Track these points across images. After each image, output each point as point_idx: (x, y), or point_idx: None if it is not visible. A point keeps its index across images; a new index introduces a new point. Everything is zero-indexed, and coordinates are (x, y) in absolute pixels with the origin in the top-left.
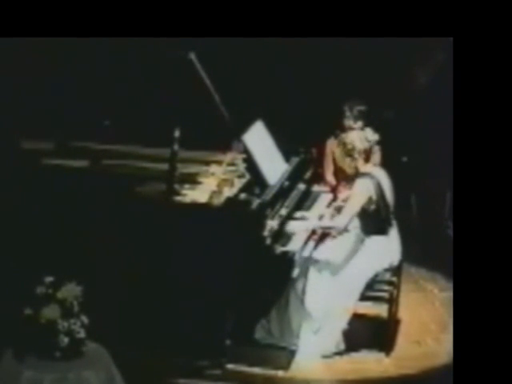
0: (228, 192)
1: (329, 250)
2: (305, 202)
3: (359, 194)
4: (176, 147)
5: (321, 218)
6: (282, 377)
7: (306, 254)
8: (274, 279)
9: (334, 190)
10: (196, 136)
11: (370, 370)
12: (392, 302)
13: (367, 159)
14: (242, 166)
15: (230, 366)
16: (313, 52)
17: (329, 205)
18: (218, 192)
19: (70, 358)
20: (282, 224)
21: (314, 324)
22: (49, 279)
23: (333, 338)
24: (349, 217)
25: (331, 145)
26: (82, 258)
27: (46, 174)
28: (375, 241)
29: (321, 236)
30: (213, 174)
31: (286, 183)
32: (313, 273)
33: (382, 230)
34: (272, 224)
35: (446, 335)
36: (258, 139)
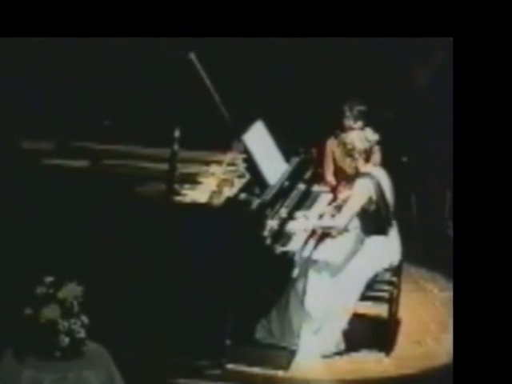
0: (228, 192)
1: (329, 250)
2: (305, 201)
3: (359, 193)
4: (176, 147)
5: (321, 217)
6: (282, 377)
7: (306, 254)
8: (274, 279)
9: (333, 190)
10: (196, 136)
11: (370, 370)
12: (392, 301)
13: (367, 159)
14: (241, 166)
15: (229, 366)
16: (313, 52)
17: (329, 205)
18: (217, 192)
19: (70, 357)
20: (282, 224)
21: (314, 324)
22: (49, 279)
23: (333, 337)
24: (348, 217)
25: (331, 145)
26: (82, 258)
27: (46, 174)
28: (375, 241)
29: (321, 236)
30: (213, 174)
31: (286, 183)
32: (313, 273)
33: (381, 230)
34: (272, 224)
35: (446, 335)
36: (258, 139)
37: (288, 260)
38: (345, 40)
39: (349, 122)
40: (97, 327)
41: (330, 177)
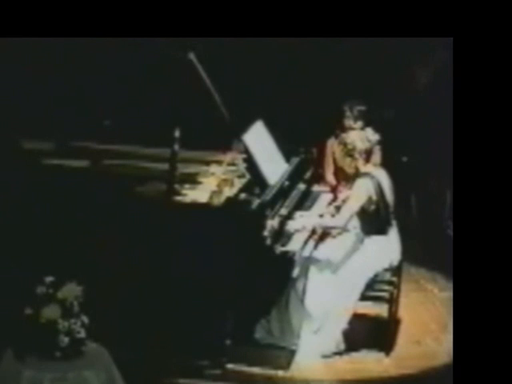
0: (228, 192)
1: (329, 250)
2: (305, 201)
3: (359, 193)
4: (176, 147)
5: (321, 217)
6: (282, 377)
7: (306, 253)
8: (273, 279)
9: (334, 190)
10: (196, 136)
11: (370, 370)
12: (392, 301)
13: (368, 159)
14: (242, 166)
15: (229, 366)
16: (313, 52)
17: (329, 205)
18: (218, 192)
19: (71, 357)
20: (282, 224)
21: (314, 324)
22: (49, 279)
23: (333, 337)
24: (348, 216)
25: (331, 145)
26: (82, 257)
27: (46, 174)
28: (375, 241)
29: (321, 236)
30: (213, 174)
31: (286, 183)
32: (313, 273)
33: (381, 230)
34: (272, 224)
35: (446, 335)
36: (258, 139)
37: (288, 260)
38: (345, 40)
39: (349, 122)
40: (97, 327)
41: (330, 177)
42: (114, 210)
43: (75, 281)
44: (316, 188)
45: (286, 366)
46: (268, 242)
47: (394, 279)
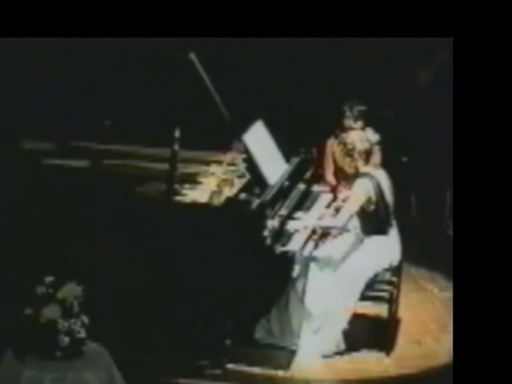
0: (228, 192)
1: (329, 250)
2: (305, 202)
3: (359, 194)
4: (176, 147)
5: (321, 217)
6: (282, 376)
7: (306, 253)
8: (273, 279)
9: (333, 190)
10: (196, 136)
11: (371, 370)
12: (392, 301)
13: (367, 159)
14: (242, 166)
15: (229, 366)
16: (313, 52)
17: (329, 205)
18: (218, 192)
19: (71, 357)
20: (282, 224)
21: (314, 324)
22: (49, 279)
23: (333, 337)
24: (348, 216)
25: (331, 145)
26: (82, 257)
27: (46, 173)
28: (375, 241)
29: (321, 236)
30: (213, 174)
31: (286, 183)
32: (313, 273)
33: (381, 230)
34: (272, 224)
35: (446, 335)
36: (258, 139)
37: (288, 260)
38: (345, 40)
39: (349, 122)
40: (97, 327)
41: (330, 177)
42: (113, 209)
43: (75, 281)
44: (316, 188)
45: (286, 365)
46: (268, 241)
47: (394, 279)
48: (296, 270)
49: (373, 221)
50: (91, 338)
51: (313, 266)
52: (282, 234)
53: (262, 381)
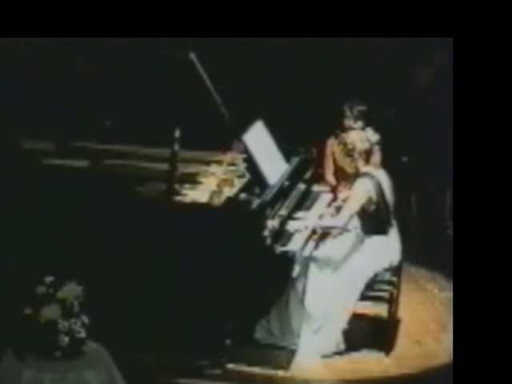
0: (228, 192)
1: (329, 250)
2: (305, 201)
3: (359, 193)
4: (176, 147)
5: (321, 217)
6: (282, 376)
7: (306, 253)
8: (273, 279)
9: (333, 190)
10: (196, 136)
11: (370, 370)
12: (392, 301)
13: (368, 159)
14: (242, 166)
15: (230, 366)
16: (313, 52)
17: (329, 205)
18: (218, 192)
19: (71, 357)
20: (282, 224)
21: (314, 324)
22: (49, 279)
23: (333, 337)
24: (348, 216)
25: (331, 145)
26: (82, 257)
27: (46, 174)
28: (375, 241)
29: (321, 236)
30: (213, 174)
31: (286, 183)
32: (313, 272)
33: (382, 230)
34: (272, 224)
35: (446, 335)
36: (258, 139)
37: (288, 260)
38: (345, 40)
39: (349, 122)
40: (97, 327)
41: (330, 177)
42: (113, 209)
43: (75, 281)
44: (316, 188)
45: (286, 365)
46: (268, 241)
47: (394, 279)
48: (296, 270)
49: (373, 221)
50: (91, 337)
51: (313, 266)
52: (281, 234)
53: (262, 381)
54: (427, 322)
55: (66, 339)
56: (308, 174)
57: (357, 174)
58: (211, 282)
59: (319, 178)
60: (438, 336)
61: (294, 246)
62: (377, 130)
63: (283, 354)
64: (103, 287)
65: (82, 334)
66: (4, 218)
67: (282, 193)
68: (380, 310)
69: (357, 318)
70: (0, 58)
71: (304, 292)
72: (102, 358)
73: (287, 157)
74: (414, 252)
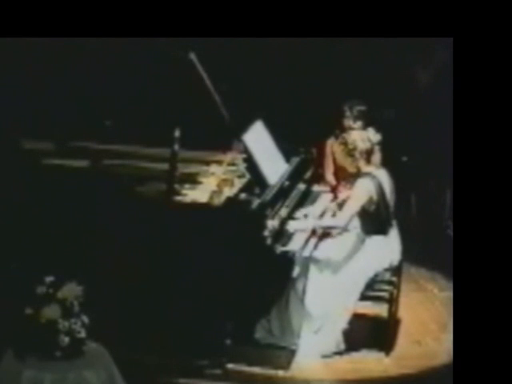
0: (228, 192)
1: (329, 250)
2: (305, 201)
3: (360, 193)
4: (176, 147)
5: (321, 217)
6: (282, 376)
7: (306, 253)
8: (274, 279)
9: (334, 190)
10: (196, 136)
11: (370, 370)
12: (392, 301)
13: (368, 159)
14: (242, 166)
15: (230, 366)
16: (313, 52)
17: (329, 205)
18: (218, 192)
19: (71, 357)
20: (283, 224)
21: (315, 324)
22: (49, 279)
23: (333, 337)
24: (349, 216)
25: (331, 145)
26: (82, 257)
27: (46, 173)
28: (375, 241)
29: (321, 236)
30: (213, 174)
31: (286, 183)
32: (313, 272)
33: (382, 230)
34: (272, 224)
35: (446, 335)
36: (258, 139)
37: (288, 260)
38: (345, 40)
39: (349, 122)
40: (97, 327)
41: (330, 177)
42: (114, 209)
43: (75, 281)
44: (316, 188)
45: (287, 365)
46: (268, 241)
47: (394, 279)
48: (296, 270)
49: (373, 221)
50: (91, 337)
51: (313, 266)
52: (282, 234)
53: (262, 381)
54: (427, 322)
55: (66, 339)
56: (308, 174)
57: (358, 174)
58: (211, 282)
59: (319, 177)
60: (438, 336)
61: (294, 245)
62: (377, 130)
63: (283, 354)
64: (103, 287)
65: (82, 334)
66: (4, 217)
67: (282, 193)
68: (380, 310)
69: (357, 318)
70: (0, 58)
71: (304, 292)
72: (102, 358)
73: (287, 157)
74: (413, 252)
